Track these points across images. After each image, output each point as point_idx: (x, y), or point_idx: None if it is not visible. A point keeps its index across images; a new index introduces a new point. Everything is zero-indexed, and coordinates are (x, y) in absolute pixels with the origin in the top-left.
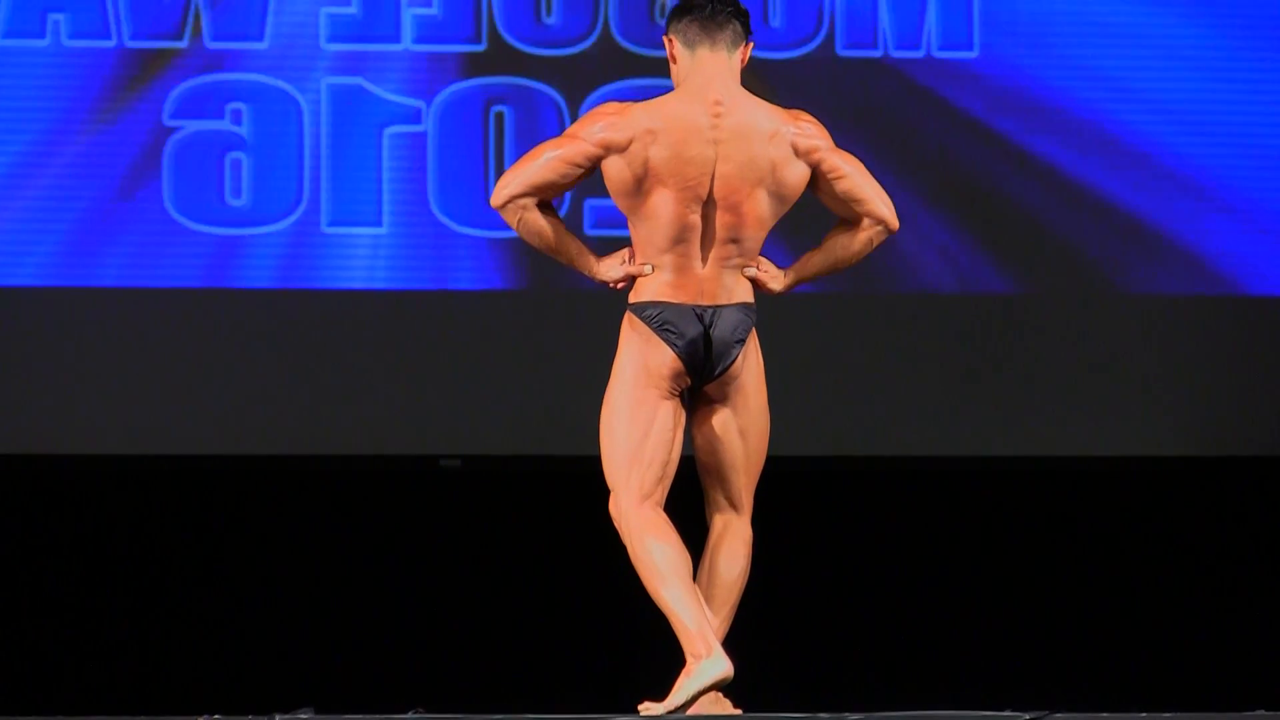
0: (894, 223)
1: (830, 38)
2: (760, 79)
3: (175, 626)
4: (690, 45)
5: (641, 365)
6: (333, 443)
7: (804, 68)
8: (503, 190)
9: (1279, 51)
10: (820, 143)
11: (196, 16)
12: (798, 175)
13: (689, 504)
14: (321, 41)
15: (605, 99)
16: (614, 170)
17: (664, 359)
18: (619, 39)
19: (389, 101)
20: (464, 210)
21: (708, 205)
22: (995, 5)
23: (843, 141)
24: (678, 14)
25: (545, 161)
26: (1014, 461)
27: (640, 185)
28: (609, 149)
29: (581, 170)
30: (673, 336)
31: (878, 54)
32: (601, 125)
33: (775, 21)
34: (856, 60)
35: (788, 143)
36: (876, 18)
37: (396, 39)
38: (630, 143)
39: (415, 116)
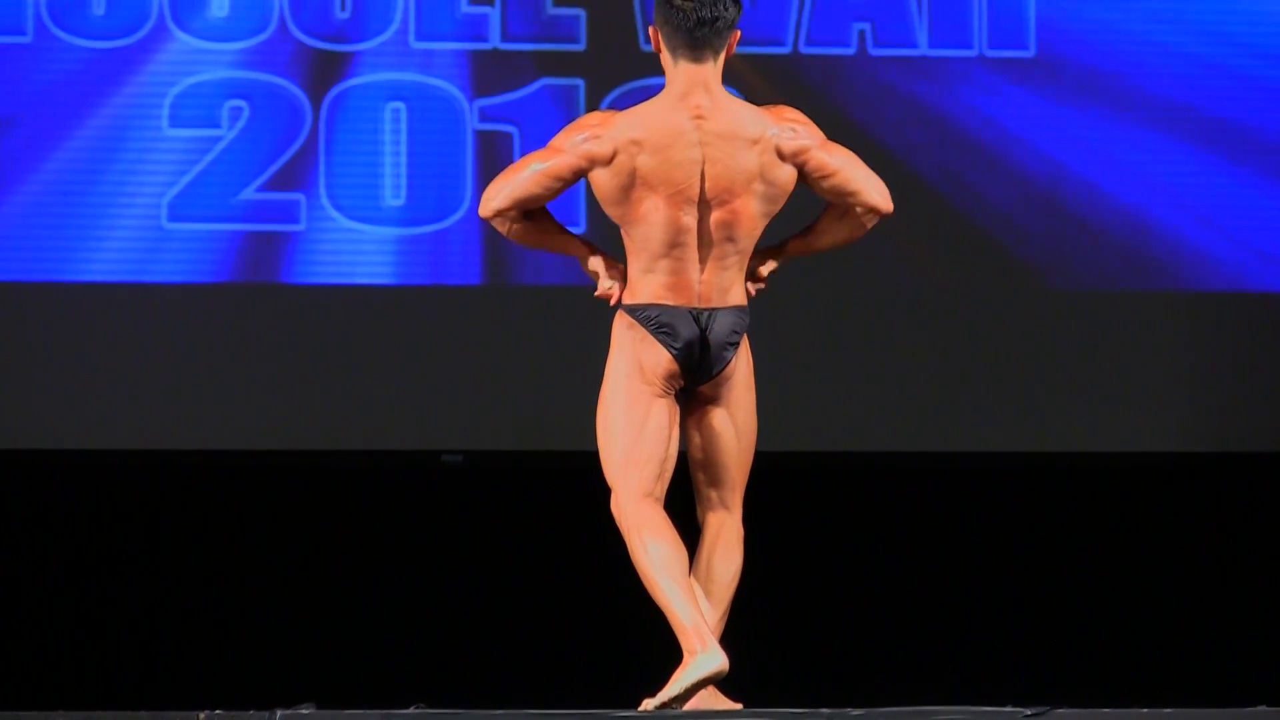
0: (887, 207)
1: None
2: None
3: (176, 621)
4: (673, 52)
5: (636, 365)
6: (335, 438)
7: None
8: (489, 203)
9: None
10: (807, 142)
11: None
12: (785, 176)
13: (679, 502)
14: (322, 37)
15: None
16: (601, 181)
17: (659, 360)
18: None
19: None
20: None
21: (700, 206)
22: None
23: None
24: (664, 14)
25: (529, 175)
26: (1016, 457)
27: (629, 194)
28: (593, 161)
29: (565, 183)
30: (669, 339)
31: (916, 53)
32: (584, 137)
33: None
34: (888, 59)
35: (772, 146)
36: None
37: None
38: (615, 154)
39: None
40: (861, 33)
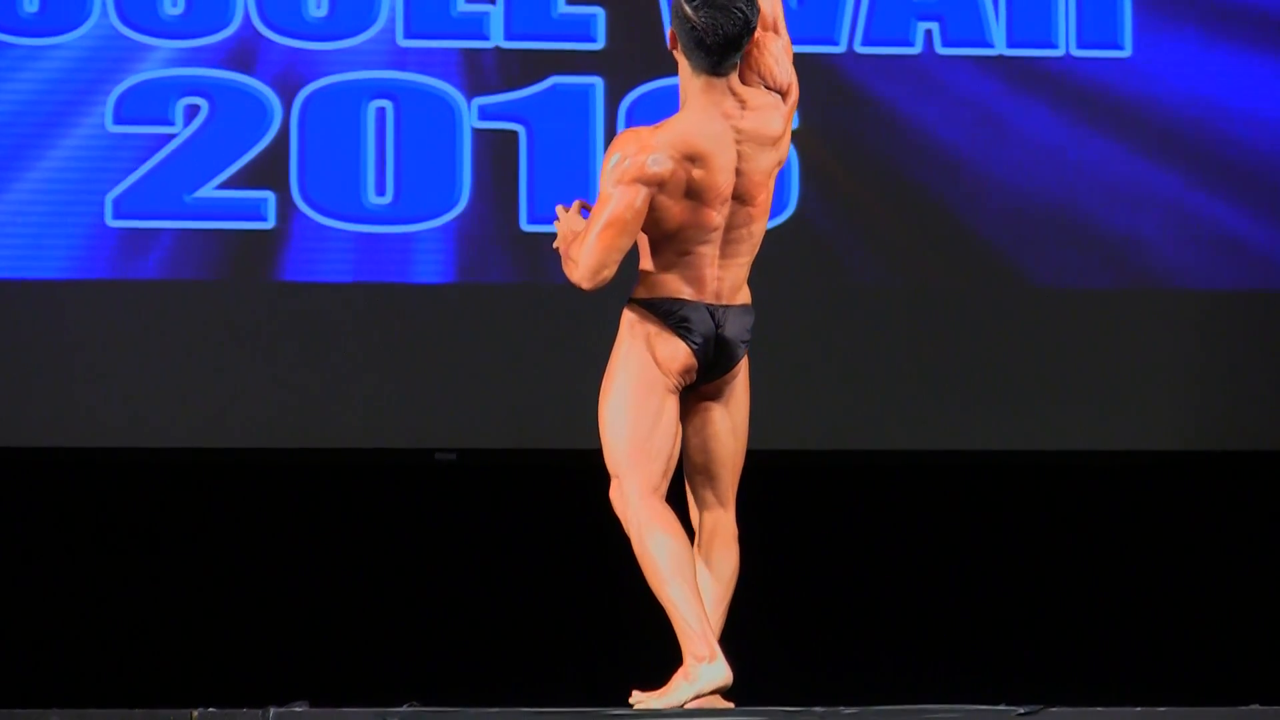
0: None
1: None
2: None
3: (169, 619)
4: (694, 65)
5: (650, 358)
6: (328, 436)
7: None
8: (600, 273)
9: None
10: (793, 100)
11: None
12: (786, 145)
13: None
14: (300, 38)
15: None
16: (657, 204)
17: (675, 354)
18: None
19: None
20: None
21: (730, 203)
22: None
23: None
24: (686, 30)
25: (616, 225)
26: (1018, 456)
27: (676, 206)
28: (660, 183)
29: (644, 213)
30: (689, 334)
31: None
32: (650, 160)
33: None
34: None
35: (787, 134)
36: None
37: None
38: (673, 174)
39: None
40: (928, 32)
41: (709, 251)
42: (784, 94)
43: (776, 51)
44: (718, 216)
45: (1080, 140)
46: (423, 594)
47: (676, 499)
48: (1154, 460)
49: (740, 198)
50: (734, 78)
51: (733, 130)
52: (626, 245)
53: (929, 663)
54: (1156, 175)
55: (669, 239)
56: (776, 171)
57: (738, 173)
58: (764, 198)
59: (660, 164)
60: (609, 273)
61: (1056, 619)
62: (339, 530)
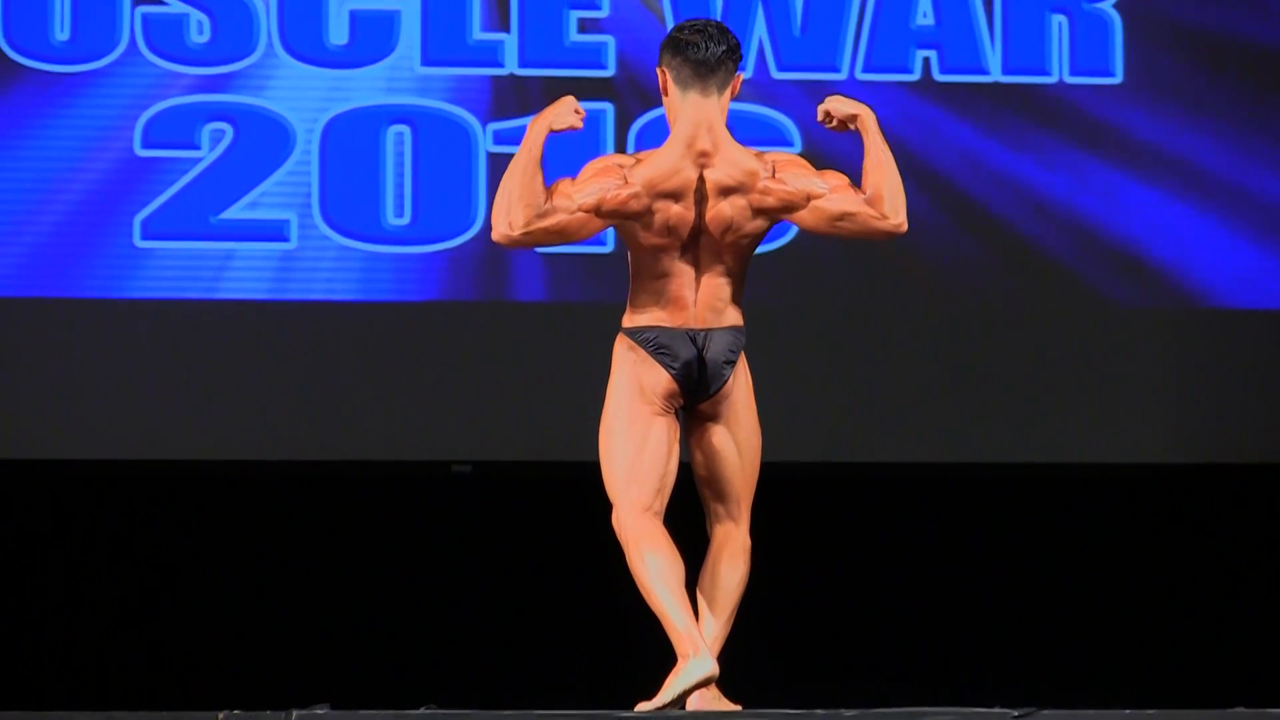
0: (889, 224)
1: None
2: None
3: (195, 626)
4: (682, 86)
5: (636, 385)
6: (347, 448)
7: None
8: (517, 245)
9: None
10: (792, 197)
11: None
12: (775, 218)
13: (687, 516)
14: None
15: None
16: (627, 230)
17: (659, 379)
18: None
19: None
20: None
21: (700, 236)
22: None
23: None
24: (672, 50)
25: (565, 236)
26: (1006, 468)
27: (639, 230)
28: (633, 216)
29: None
30: (668, 359)
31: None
32: (624, 193)
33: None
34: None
35: (763, 197)
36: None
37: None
38: (645, 209)
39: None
40: (926, 59)
41: (685, 280)
42: (787, 199)
43: (790, 180)
44: (686, 248)
45: (1070, 163)
46: (439, 602)
47: (691, 514)
48: (1146, 473)
49: (712, 235)
50: (719, 114)
51: (702, 177)
52: (556, 244)
53: (928, 667)
54: (1144, 196)
55: (645, 266)
56: (749, 224)
57: (706, 215)
58: (739, 240)
59: (639, 200)
60: (522, 246)
61: (1050, 625)
62: (358, 540)
